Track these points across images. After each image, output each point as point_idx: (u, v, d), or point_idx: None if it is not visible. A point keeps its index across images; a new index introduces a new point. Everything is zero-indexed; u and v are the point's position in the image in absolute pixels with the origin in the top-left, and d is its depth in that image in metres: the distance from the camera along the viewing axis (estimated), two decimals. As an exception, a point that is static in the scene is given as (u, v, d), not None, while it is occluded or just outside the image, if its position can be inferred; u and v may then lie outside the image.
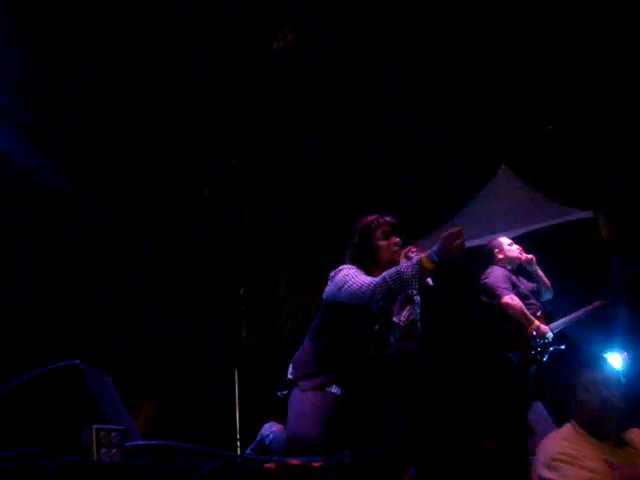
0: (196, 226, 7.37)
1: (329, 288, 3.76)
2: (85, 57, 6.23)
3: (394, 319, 3.78)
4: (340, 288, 3.65)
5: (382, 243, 3.78)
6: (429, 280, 3.64)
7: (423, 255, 3.50)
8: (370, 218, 3.86)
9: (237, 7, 6.99)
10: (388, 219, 3.84)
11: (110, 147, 6.51)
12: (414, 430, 1.77)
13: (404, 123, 7.40)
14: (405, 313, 3.78)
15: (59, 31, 6.06)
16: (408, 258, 3.71)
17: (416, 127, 7.37)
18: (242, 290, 7.93)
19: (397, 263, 3.69)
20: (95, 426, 2.28)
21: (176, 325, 6.87)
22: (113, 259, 6.56)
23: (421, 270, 3.46)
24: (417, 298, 3.85)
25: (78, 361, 2.63)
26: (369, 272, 3.73)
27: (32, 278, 5.98)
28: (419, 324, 3.82)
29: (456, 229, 3.53)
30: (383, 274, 3.53)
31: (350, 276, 3.64)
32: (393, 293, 3.53)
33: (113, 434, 2.31)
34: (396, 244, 3.78)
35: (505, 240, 5.82)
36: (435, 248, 3.49)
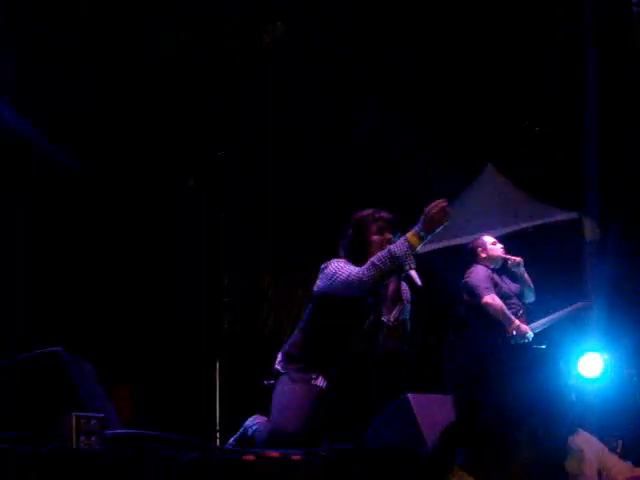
0: (182, 216, 7.36)
1: (319, 281, 3.74)
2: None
3: (382, 318, 3.75)
4: (330, 280, 3.65)
5: (375, 238, 3.75)
6: (417, 279, 3.63)
7: (408, 232, 3.52)
8: (366, 212, 3.83)
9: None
10: (384, 215, 3.81)
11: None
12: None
13: (390, 120, 7.40)
14: (395, 313, 3.75)
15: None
16: None
17: (402, 124, 7.38)
18: (226, 281, 7.91)
19: None
20: (74, 413, 2.27)
21: (159, 314, 6.86)
22: (94, 245, 6.54)
23: (410, 246, 3.49)
24: (408, 296, 3.84)
25: (60, 348, 2.62)
26: (359, 266, 3.71)
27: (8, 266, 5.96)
28: (409, 324, 3.81)
29: (438, 201, 3.55)
30: (371, 258, 3.54)
31: (339, 268, 3.64)
32: (385, 274, 3.53)
33: (92, 422, 2.31)
34: (389, 241, 3.71)
35: (488, 239, 5.82)
36: (419, 223, 3.52)
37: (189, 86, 7.06)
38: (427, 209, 3.53)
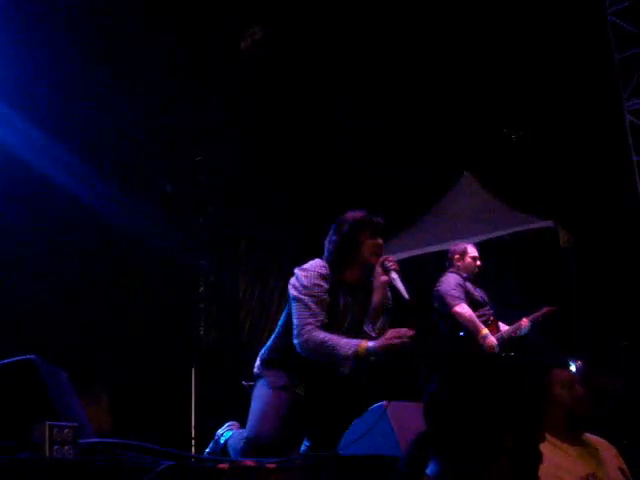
0: (158, 223, 7.32)
1: (290, 286, 3.70)
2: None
3: (365, 329, 3.72)
4: (292, 298, 3.65)
5: (368, 241, 3.72)
6: (405, 293, 3.59)
7: (362, 342, 3.48)
8: (362, 213, 3.79)
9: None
10: (379, 220, 3.78)
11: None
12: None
13: (371, 125, 7.42)
14: (379, 324, 3.74)
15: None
16: (383, 267, 3.69)
17: (383, 129, 7.40)
18: (202, 288, 7.90)
19: (373, 265, 3.71)
20: (48, 422, 2.25)
21: (135, 321, 6.82)
22: (72, 251, 6.48)
23: (355, 355, 3.46)
24: (389, 306, 3.84)
25: (34, 355, 2.59)
26: (344, 266, 3.73)
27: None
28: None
29: (404, 332, 3.50)
30: (324, 338, 3.50)
31: (301, 299, 3.61)
32: (319, 357, 3.52)
33: (66, 431, 2.28)
34: (380, 246, 3.74)
35: (472, 251, 5.84)
36: (376, 343, 3.48)
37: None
38: (393, 335, 3.48)
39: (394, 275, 3.64)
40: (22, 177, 6.09)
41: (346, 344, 3.48)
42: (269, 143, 7.70)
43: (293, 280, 3.70)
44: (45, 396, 2.54)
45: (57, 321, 6.12)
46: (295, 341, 3.58)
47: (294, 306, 3.64)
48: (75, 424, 2.32)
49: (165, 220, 7.36)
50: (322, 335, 3.52)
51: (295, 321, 3.60)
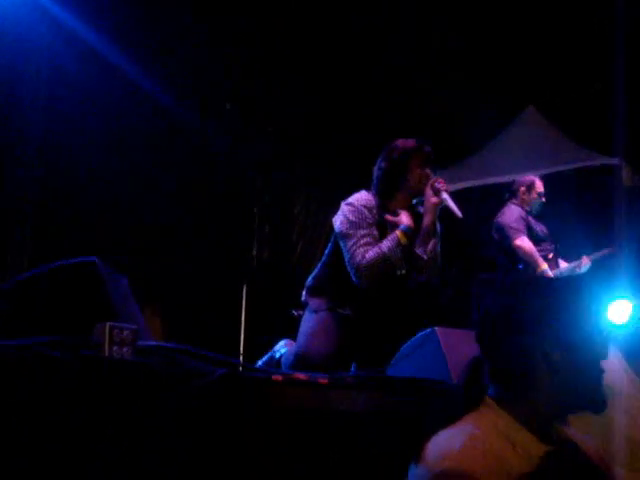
0: (214, 142, 7.32)
1: (337, 222, 3.72)
2: None
3: (417, 251, 3.72)
4: (339, 230, 3.68)
5: (416, 170, 3.74)
6: (457, 211, 3.60)
7: (396, 232, 3.60)
8: (411, 142, 3.80)
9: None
10: (428, 149, 3.80)
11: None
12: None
13: (435, 51, 7.27)
14: (430, 246, 3.73)
15: None
16: (434, 189, 3.68)
17: (447, 57, 7.24)
18: (256, 208, 7.92)
19: (422, 193, 3.71)
20: (109, 323, 2.29)
21: (188, 236, 6.88)
22: (135, 163, 6.52)
23: (402, 247, 3.59)
24: (439, 230, 3.82)
25: (95, 257, 2.62)
26: (391, 194, 3.74)
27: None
28: (440, 257, 3.80)
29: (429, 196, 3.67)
30: (370, 256, 3.56)
31: (348, 234, 3.64)
32: (378, 276, 3.59)
33: (126, 332, 2.32)
34: (427, 175, 3.74)
35: (539, 185, 5.77)
36: (405, 222, 3.65)
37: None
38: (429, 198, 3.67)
39: (445, 195, 3.64)
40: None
41: (389, 246, 3.58)
42: (331, 67, 7.58)
43: (339, 215, 3.71)
44: (105, 297, 2.58)
45: (115, 230, 6.20)
46: (353, 277, 3.61)
47: (342, 242, 3.66)
48: (134, 326, 2.36)
49: (223, 138, 7.35)
50: (368, 255, 3.57)
51: (346, 257, 3.63)
